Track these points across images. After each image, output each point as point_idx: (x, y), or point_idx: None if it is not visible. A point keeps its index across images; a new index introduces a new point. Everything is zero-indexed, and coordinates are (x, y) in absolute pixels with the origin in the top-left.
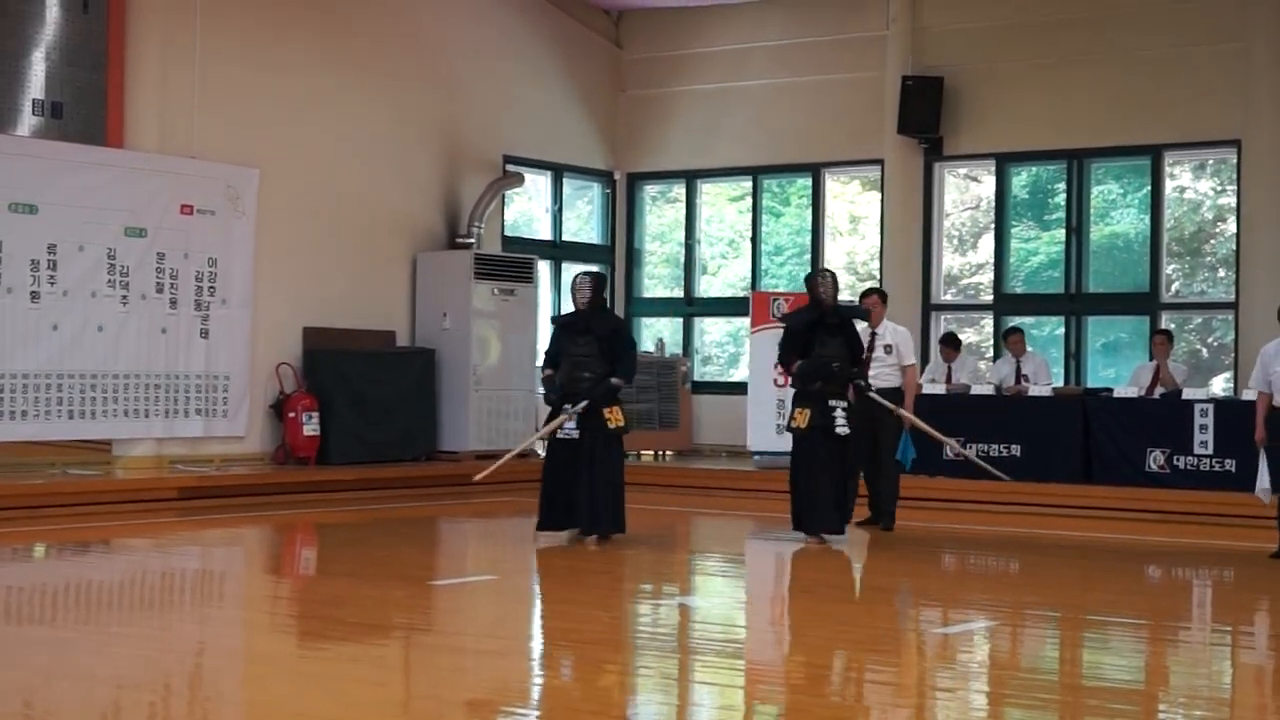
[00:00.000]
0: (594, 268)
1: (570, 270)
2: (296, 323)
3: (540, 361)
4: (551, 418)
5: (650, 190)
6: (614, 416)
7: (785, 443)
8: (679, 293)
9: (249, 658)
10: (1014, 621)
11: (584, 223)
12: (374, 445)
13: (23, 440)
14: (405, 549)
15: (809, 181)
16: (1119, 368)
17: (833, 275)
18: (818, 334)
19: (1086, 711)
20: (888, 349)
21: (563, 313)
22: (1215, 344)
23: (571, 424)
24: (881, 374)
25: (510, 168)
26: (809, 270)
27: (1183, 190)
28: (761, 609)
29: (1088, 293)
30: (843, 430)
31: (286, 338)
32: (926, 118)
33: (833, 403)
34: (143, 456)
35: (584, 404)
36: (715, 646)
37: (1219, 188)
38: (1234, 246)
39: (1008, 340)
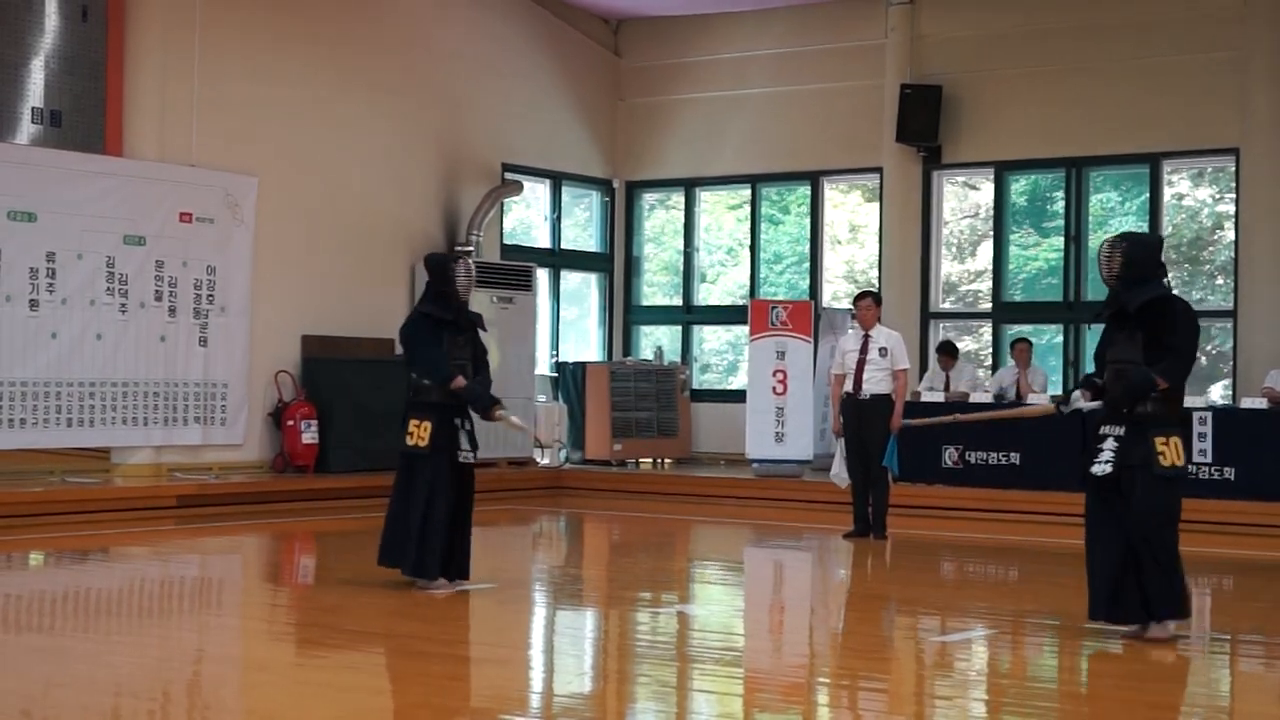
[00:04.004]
0: None
1: (569, 279)
2: (295, 331)
3: (541, 369)
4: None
5: (649, 198)
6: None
7: (784, 450)
8: (678, 301)
9: (247, 666)
10: (1012, 630)
11: (582, 231)
12: (372, 453)
13: (21, 448)
14: None
15: (808, 190)
16: None
17: (1123, 242)
18: (1107, 329)
19: None
20: (882, 352)
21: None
22: (1214, 352)
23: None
24: (874, 377)
25: (509, 176)
26: (808, 279)
27: (1181, 198)
28: (759, 617)
29: (1087, 300)
30: (1099, 468)
31: (285, 346)
32: (925, 126)
33: (1105, 429)
34: (141, 464)
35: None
36: (714, 655)
37: (1217, 195)
38: (1232, 254)
39: (1014, 349)
